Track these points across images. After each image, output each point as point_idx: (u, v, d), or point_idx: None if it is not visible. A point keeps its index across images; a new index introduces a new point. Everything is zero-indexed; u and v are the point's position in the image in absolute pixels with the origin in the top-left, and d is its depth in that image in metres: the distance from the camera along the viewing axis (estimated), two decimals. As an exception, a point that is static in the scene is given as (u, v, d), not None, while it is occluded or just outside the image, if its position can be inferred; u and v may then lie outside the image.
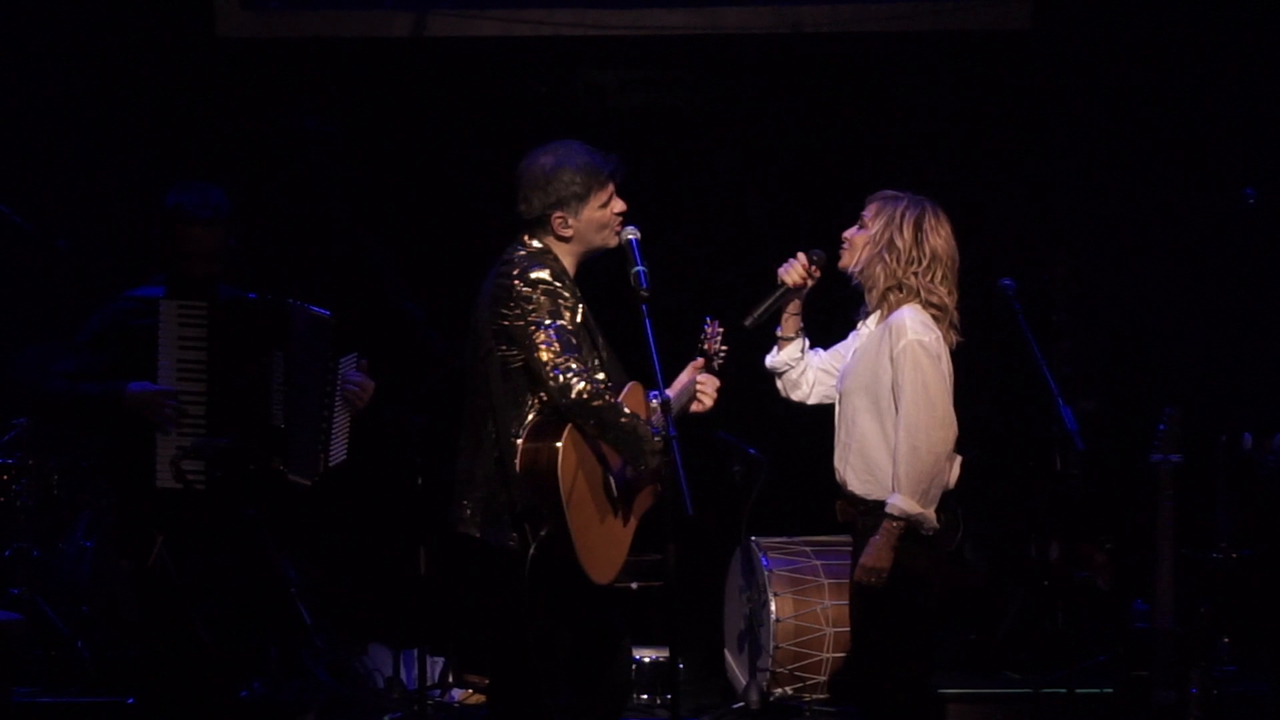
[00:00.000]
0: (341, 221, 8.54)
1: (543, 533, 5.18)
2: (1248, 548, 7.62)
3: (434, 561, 7.30)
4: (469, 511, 5.35)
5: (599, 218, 5.41)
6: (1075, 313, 8.38)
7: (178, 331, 5.52)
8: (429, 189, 8.67)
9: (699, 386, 5.57)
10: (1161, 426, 6.76)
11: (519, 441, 5.24)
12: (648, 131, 8.57)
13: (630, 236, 5.39)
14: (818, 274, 5.63)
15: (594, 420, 5.19)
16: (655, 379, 5.13)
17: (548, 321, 5.22)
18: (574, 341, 5.23)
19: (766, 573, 7.49)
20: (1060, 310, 8.33)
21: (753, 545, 7.62)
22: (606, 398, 5.20)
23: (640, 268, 5.28)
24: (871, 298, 5.54)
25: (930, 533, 5.39)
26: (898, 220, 5.49)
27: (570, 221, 5.39)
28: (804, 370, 5.74)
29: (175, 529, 5.48)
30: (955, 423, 5.42)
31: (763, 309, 5.62)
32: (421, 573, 7.33)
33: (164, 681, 5.57)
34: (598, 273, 5.54)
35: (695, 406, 5.59)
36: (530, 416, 5.27)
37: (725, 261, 8.48)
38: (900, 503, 5.33)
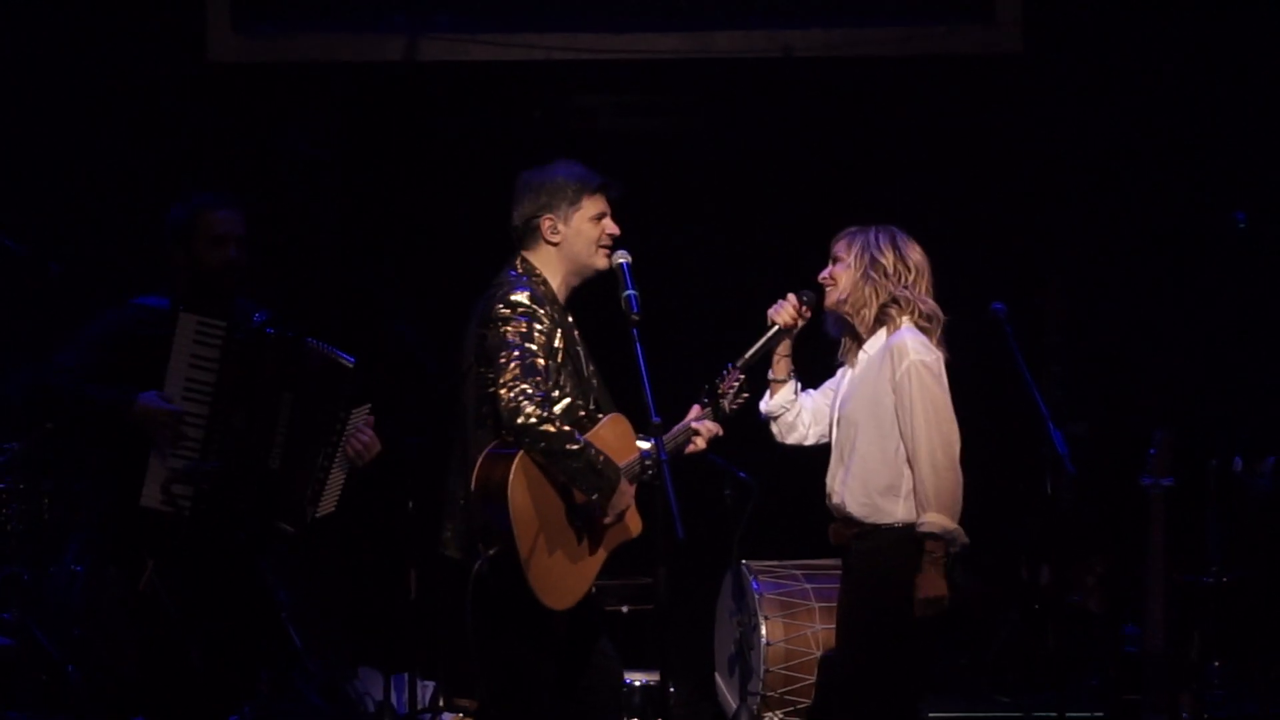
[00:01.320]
0: (334, 245, 8.56)
1: (491, 552, 5.17)
2: (1238, 571, 7.62)
3: (424, 584, 7.29)
4: (450, 533, 5.36)
5: (589, 230, 5.43)
6: (1066, 336, 8.40)
7: (192, 348, 5.42)
8: (421, 212, 8.67)
9: (697, 429, 5.59)
10: (1152, 450, 6.78)
11: (479, 460, 5.24)
12: (640, 155, 8.57)
13: (621, 260, 5.39)
14: (808, 314, 5.68)
15: (541, 445, 5.15)
16: (646, 404, 5.12)
17: (515, 343, 5.22)
18: (538, 365, 5.21)
19: (757, 596, 7.47)
20: (1051, 333, 8.34)
21: (743, 569, 7.61)
22: (558, 424, 5.17)
23: (631, 292, 5.28)
24: (865, 320, 5.55)
25: (959, 549, 5.41)
26: (873, 243, 5.55)
27: (559, 227, 5.41)
28: (799, 413, 5.78)
29: (166, 552, 5.45)
30: (959, 439, 5.48)
31: (754, 351, 5.68)
32: (412, 596, 7.32)
33: (160, 704, 5.56)
34: (589, 298, 5.55)
35: (689, 448, 5.62)
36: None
37: (717, 285, 8.49)
38: (936, 519, 5.37)
